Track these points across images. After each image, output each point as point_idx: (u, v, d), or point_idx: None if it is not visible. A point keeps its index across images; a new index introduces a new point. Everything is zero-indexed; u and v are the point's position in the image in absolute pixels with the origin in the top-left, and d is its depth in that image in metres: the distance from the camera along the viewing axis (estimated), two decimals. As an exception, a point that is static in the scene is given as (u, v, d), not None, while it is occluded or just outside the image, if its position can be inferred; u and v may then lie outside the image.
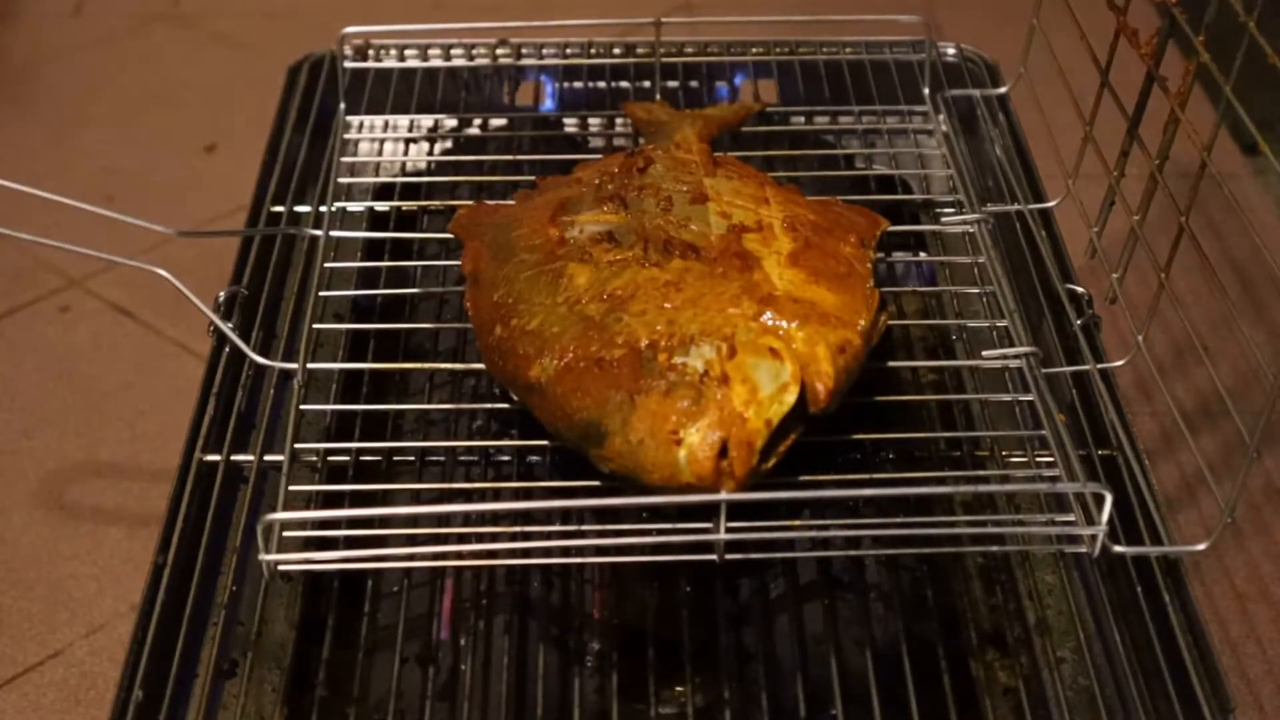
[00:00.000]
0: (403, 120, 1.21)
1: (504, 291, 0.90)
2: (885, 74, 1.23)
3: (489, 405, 0.95)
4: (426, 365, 1.00)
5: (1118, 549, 0.82)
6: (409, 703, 0.82)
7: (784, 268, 0.89)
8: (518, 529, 0.85)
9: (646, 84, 1.24)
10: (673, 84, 1.24)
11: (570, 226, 0.93)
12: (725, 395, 0.81)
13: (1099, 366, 0.94)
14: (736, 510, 0.80)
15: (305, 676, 0.82)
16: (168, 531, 0.84)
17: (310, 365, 0.94)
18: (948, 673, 0.81)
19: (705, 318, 0.85)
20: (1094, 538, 0.81)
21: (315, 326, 0.96)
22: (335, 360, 0.98)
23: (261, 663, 0.81)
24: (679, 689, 0.82)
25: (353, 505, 0.89)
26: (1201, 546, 0.83)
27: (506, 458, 0.92)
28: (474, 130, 1.22)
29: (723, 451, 0.80)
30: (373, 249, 1.08)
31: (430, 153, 1.20)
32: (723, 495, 0.78)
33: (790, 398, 0.82)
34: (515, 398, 0.89)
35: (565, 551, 0.85)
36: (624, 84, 1.25)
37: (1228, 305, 0.86)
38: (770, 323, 0.85)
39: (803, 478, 0.86)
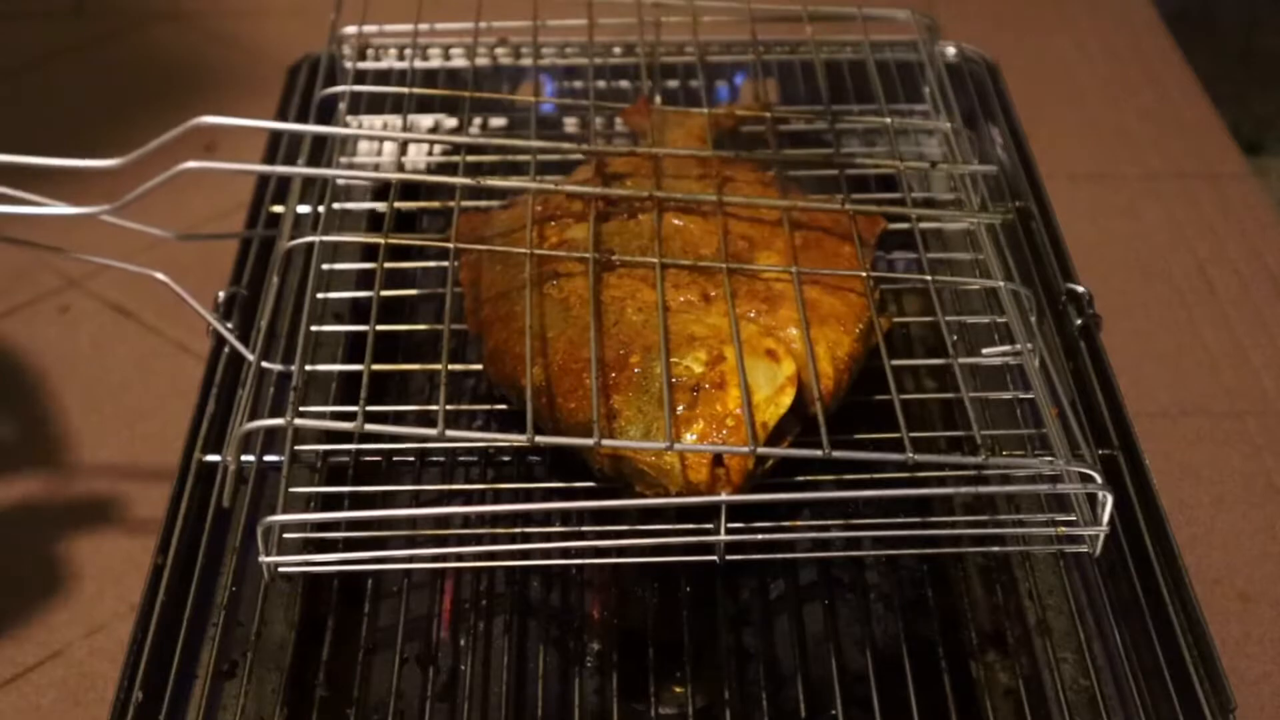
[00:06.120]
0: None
1: (501, 295, 0.90)
2: (886, 73, 1.23)
3: (489, 405, 0.95)
4: (426, 366, 1.00)
5: (1118, 548, 0.82)
6: (409, 703, 0.82)
7: (783, 268, 0.89)
8: (517, 530, 0.85)
9: (647, 84, 1.23)
10: (673, 84, 1.24)
11: (567, 229, 0.93)
12: (722, 398, 0.80)
13: (1099, 366, 0.94)
14: (736, 511, 0.80)
15: (305, 677, 0.82)
16: (168, 531, 0.84)
17: (309, 367, 0.94)
18: (948, 673, 0.81)
19: (703, 319, 0.85)
20: (1095, 537, 0.81)
21: (314, 329, 0.95)
22: (334, 361, 0.98)
23: (261, 663, 0.81)
24: (679, 689, 0.82)
25: (352, 507, 0.88)
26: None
27: (506, 458, 0.92)
28: (474, 130, 1.22)
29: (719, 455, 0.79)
30: (371, 250, 1.08)
31: (430, 153, 1.20)
32: (723, 496, 0.78)
33: (787, 399, 0.82)
34: (513, 400, 0.89)
35: (565, 552, 0.85)
36: (624, 84, 1.25)
37: (1228, 305, 0.85)
38: (769, 323, 0.85)
39: (802, 478, 0.86)
